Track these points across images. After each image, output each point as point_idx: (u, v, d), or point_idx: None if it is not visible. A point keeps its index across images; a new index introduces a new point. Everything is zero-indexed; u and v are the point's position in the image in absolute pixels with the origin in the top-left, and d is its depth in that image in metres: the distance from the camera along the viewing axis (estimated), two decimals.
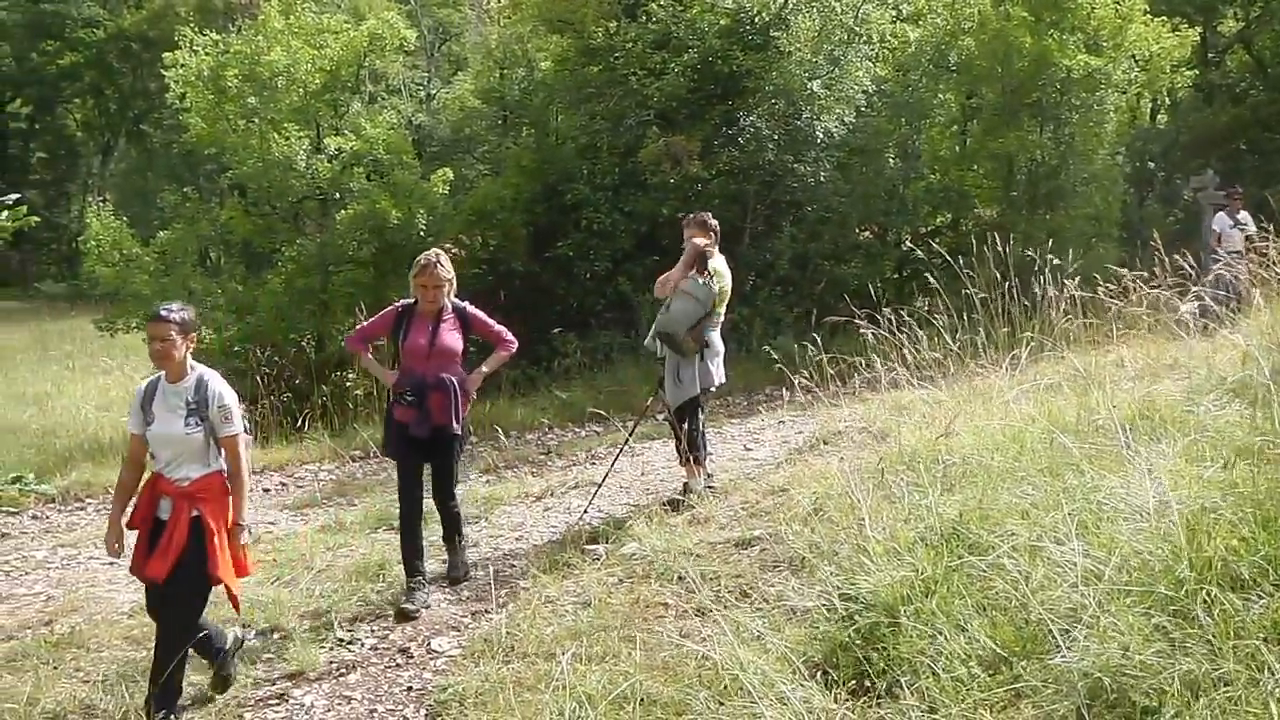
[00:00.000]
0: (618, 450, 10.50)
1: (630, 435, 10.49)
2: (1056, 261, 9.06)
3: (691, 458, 9.19)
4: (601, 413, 11.37)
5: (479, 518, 9.80)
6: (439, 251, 7.68)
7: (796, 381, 8.34)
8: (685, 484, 9.28)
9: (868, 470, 6.96)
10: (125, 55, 50.04)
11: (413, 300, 7.69)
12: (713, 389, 9.42)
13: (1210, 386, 6.24)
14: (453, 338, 7.62)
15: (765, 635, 5.12)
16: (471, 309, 7.81)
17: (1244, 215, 17.61)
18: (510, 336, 7.91)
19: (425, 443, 7.56)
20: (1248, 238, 16.36)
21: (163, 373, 6.06)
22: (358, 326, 8.29)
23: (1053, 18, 20.25)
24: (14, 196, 5.67)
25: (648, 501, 9.47)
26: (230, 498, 6.02)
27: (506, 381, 16.75)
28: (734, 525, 7.78)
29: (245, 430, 6.13)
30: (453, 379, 7.51)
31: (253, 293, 17.69)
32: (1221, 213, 18.05)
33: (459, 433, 7.59)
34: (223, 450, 6.01)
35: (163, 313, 5.98)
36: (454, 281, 7.69)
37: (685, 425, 9.11)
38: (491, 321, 7.88)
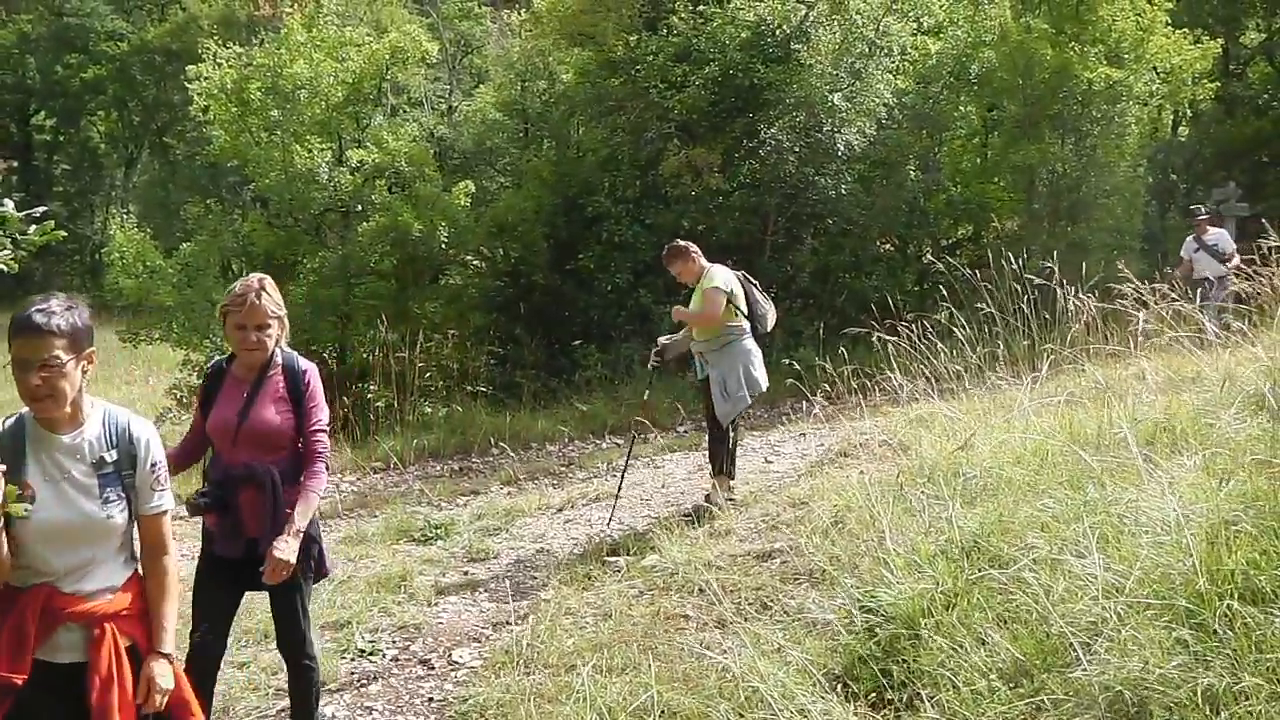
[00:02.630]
0: (627, 451, 10.54)
1: (634, 436, 10.58)
2: (1078, 274, 9.05)
3: (722, 468, 9.35)
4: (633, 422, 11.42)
5: (499, 529, 9.82)
6: (262, 277, 5.27)
7: (817, 394, 8.35)
8: (708, 494, 9.32)
9: (888, 483, 6.97)
10: (149, 68, 50.16)
11: (227, 356, 5.39)
12: (760, 393, 9.55)
13: (1232, 400, 6.22)
14: (276, 410, 5.14)
15: (786, 647, 5.13)
16: (312, 374, 5.29)
17: (1214, 235, 16.78)
18: (324, 448, 5.25)
19: (238, 567, 5.08)
20: (1229, 258, 15.92)
21: (27, 418, 3.74)
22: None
23: (1074, 30, 20.24)
24: (41, 210, 5.45)
25: (668, 513, 9.49)
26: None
27: (527, 393, 16.79)
28: (755, 538, 7.79)
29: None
30: (273, 471, 5.03)
31: None
32: (1188, 239, 17.23)
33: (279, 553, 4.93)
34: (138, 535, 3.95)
35: (37, 318, 3.60)
36: (285, 323, 5.34)
37: (709, 436, 9.34)
38: (321, 407, 5.28)
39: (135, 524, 3.88)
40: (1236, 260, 15.26)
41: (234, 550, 5.06)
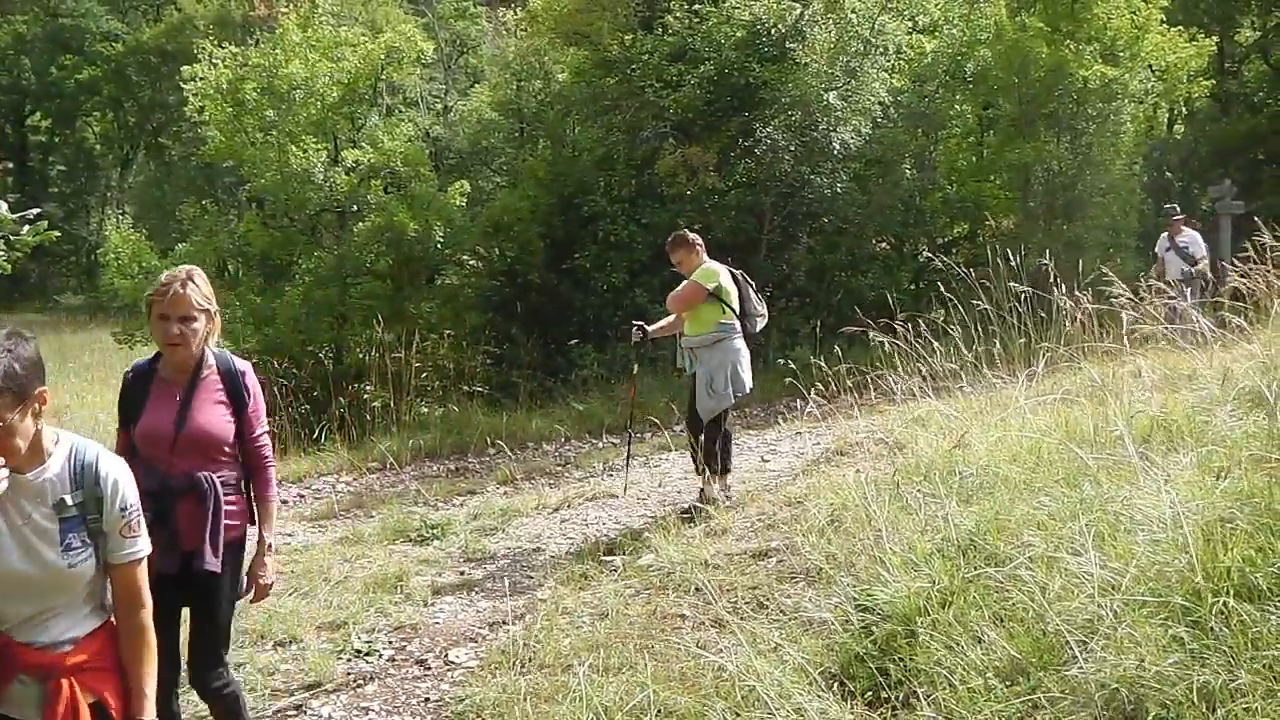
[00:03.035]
0: (627, 421, 10.50)
1: (632, 415, 10.60)
2: (1074, 272, 9.05)
3: (717, 468, 9.32)
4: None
5: (496, 529, 9.81)
6: (192, 269, 4.85)
7: (812, 393, 8.35)
8: (702, 491, 9.34)
9: (884, 482, 6.96)
10: (144, 69, 50.24)
11: (152, 357, 4.94)
12: (744, 394, 9.61)
13: (1227, 397, 6.23)
14: (216, 415, 4.81)
15: (782, 646, 5.12)
16: (250, 375, 4.98)
17: (1187, 238, 16.36)
18: (270, 453, 5.04)
19: (176, 582, 4.61)
20: (1196, 261, 15.76)
21: None
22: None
23: (1069, 28, 20.27)
24: (35, 211, 5.36)
25: (665, 513, 9.49)
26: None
27: (524, 393, 16.79)
28: (751, 536, 7.79)
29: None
30: (215, 480, 4.72)
31: (271, 305, 17.72)
32: (1162, 235, 16.95)
33: (219, 570, 4.70)
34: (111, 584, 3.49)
35: None
36: (216, 320, 4.90)
37: (704, 435, 9.27)
38: (262, 410, 5.03)
39: (105, 572, 3.43)
40: (1204, 265, 15.35)
41: (170, 565, 4.52)
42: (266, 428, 5.03)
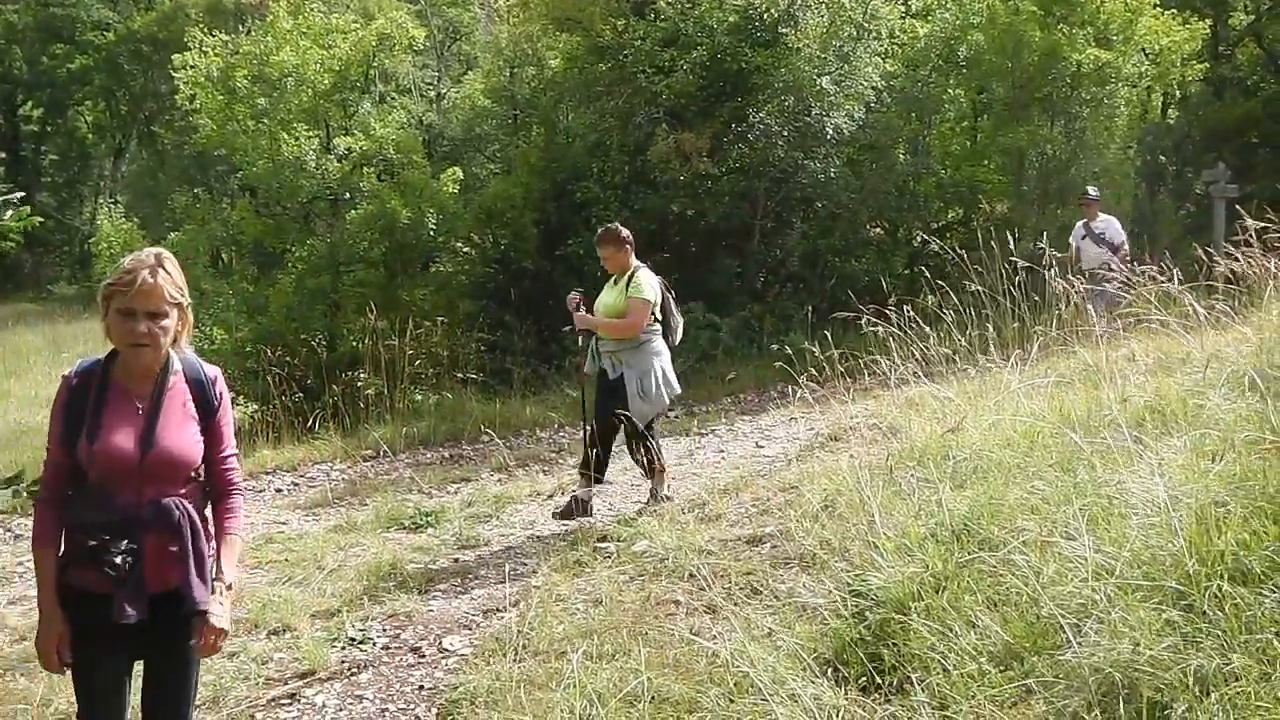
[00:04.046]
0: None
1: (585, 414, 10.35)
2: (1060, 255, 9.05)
3: (658, 466, 9.15)
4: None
5: (490, 516, 9.81)
6: (160, 252, 4.08)
7: (805, 378, 8.33)
8: (653, 491, 9.26)
9: (878, 467, 6.97)
10: (136, 57, 50.05)
11: (102, 357, 4.16)
12: (676, 395, 9.47)
13: (1221, 380, 6.22)
14: (187, 433, 4.09)
15: (776, 632, 5.12)
16: (220, 383, 4.26)
17: (1102, 223, 15.09)
18: (239, 477, 4.32)
19: (135, 635, 3.95)
20: (1116, 248, 14.64)
21: None
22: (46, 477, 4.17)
23: (1062, 11, 20.22)
24: (18, 195, 5.22)
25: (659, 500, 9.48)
26: None
27: (518, 380, 16.78)
28: (745, 522, 7.79)
29: None
30: (186, 506, 4.02)
31: (264, 293, 17.69)
32: (1079, 223, 15.52)
33: (206, 606, 4.02)
34: None
35: None
36: (188, 315, 4.15)
37: (633, 441, 9.14)
38: (231, 425, 4.33)
39: None
40: (1125, 250, 14.54)
41: (136, 613, 3.87)
42: (235, 447, 4.32)
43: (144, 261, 3.95)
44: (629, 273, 9.12)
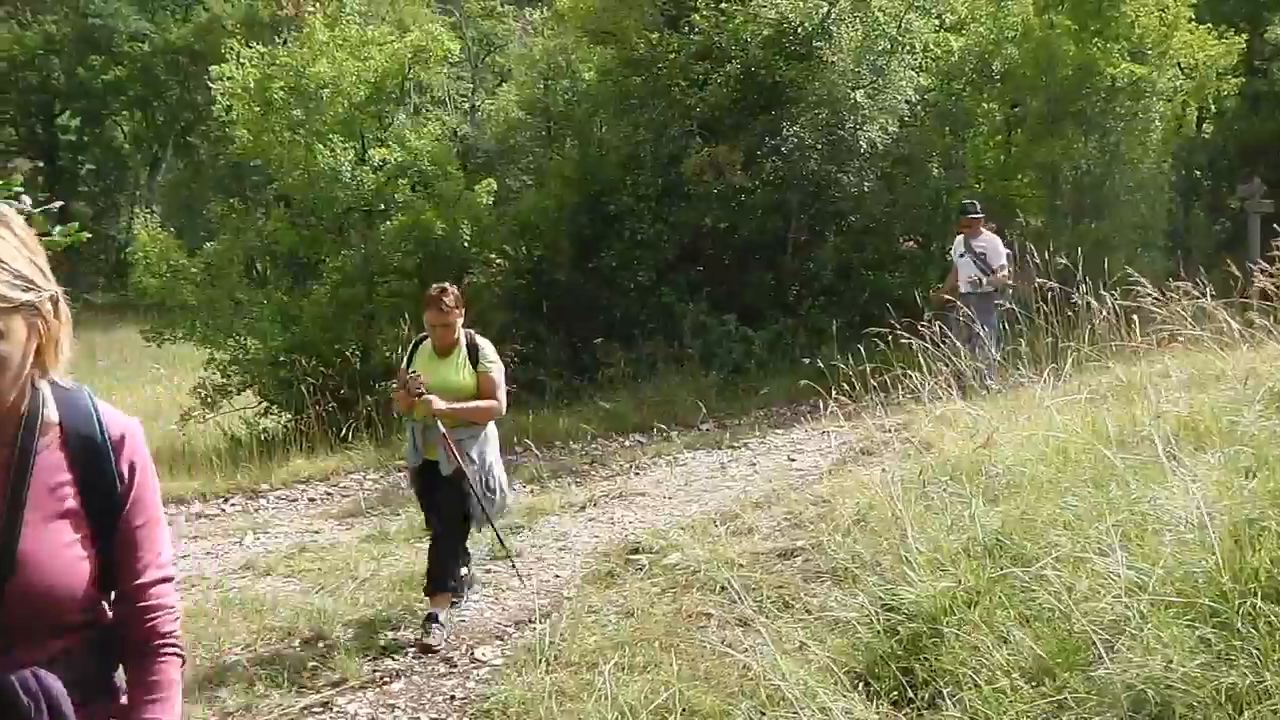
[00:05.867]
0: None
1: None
2: (1101, 271, 9.03)
3: (455, 584, 7.47)
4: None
5: (522, 527, 9.84)
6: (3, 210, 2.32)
7: (837, 393, 8.33)
8: (433, 614, 7.20)
9: (910, 481, 6.96)
10: (172, 68, 50.39)
11: None
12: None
13: (1256, 397, 6.20)
14: (62, 538, 2.25)
15: (807, 645, 5.13)
16: (131, 442, 2.43)
17: (984, 242, 14.07)
18: (174, 605, 2.43)
19: None
20: (992, 270, 13.66)
21: None
22: None
23: (1097, 26, 20.14)
24: (58, 204, 5.26)
25: (692, 512, 9.48)
26: None
27: (550, 392, 16.81)
28: (777, 535, 7.79)
29: None
30: (53, 683, 2.20)
31: (298, 303, 17.77)
32: (958, 238, 14.66)
33: None
34: None
35: None
36: (62, 307, 2.48)
37: (444, 541, 7.40)
38: (158, 520, 2.44)
39: None
40: (1005, 273, 13.54)
41: None
42: (170, 558, 2.48)
43: None
44: (465, 343, 7.60)
